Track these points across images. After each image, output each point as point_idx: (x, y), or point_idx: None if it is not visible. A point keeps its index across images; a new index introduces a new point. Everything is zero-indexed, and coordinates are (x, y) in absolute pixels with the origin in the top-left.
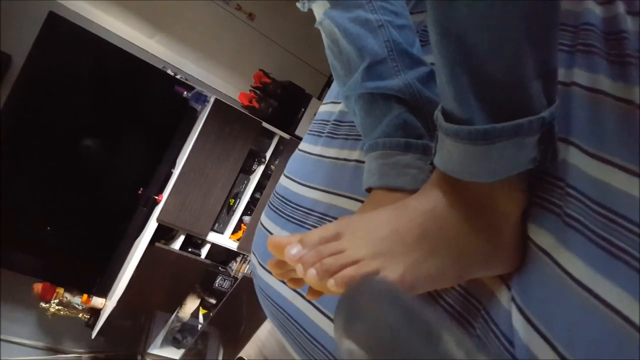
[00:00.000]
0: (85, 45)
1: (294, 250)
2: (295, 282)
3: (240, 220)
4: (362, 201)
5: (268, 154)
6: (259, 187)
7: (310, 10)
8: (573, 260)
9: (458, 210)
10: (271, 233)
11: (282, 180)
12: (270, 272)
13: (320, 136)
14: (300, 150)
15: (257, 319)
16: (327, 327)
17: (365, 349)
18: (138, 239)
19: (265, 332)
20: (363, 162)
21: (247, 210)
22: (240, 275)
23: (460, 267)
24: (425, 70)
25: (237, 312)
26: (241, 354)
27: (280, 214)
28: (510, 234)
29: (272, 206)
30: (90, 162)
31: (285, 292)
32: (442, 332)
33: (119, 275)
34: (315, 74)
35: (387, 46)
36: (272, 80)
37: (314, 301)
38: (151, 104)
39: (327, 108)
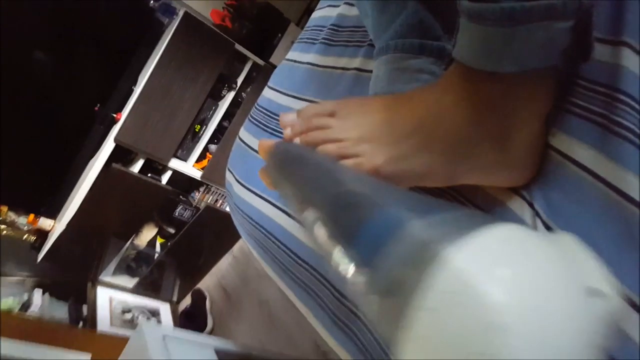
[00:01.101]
0: None
1: (289, 117)
2: None
3: (206, 149)
4: None
5: (239, 80)
6: (228, 115)
7: None
8: (622, 174)
9: (465, 109)
10: (252, 148)
11: (266, 92)
12: (247, 188)
13: (314, 43)
14: (288, 60)
15: (218, 251)
16: (312, 243)
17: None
18: (93, 159)
19: (226, 264)
20: (365, 70)
21: (214, 139)
22: (202, 205)
23: (453, 169)
24: (411, 11)
25: (197, 243)
26: (199, 285)
27: (265, 127)
28: (523, 145)
29: (253, 120)
30: (43, 76)
31: (266, 209)
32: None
33: (71, 197)
34: (296, 1)
35: None
36: None
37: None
38: (113, 13)
39: (322, 13)
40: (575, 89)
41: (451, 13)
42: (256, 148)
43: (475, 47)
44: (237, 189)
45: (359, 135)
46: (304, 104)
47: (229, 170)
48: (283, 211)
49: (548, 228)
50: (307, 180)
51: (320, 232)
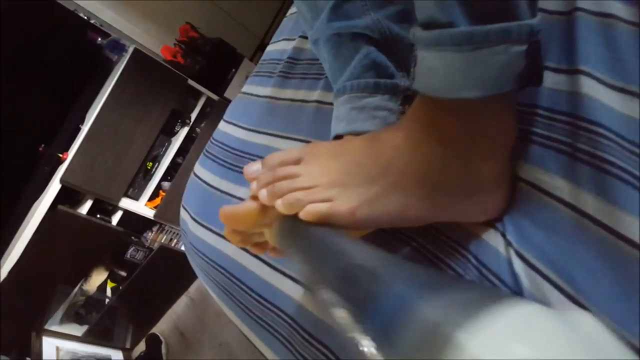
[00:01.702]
0: None
1: (253, 168)
2: (259, 247)
3: (159, 187)
4: None
5: (193, 116)
6: (182, 151)
7: None
8: (591, 200)
9: (432, 145)
10: (208, 184)
11: (223, 126)
12: (204, 227)
13: (271, 77)
14: (244, 93)
15: (174, 293)
16: (277, 282)
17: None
18: (37, 202)
19: (182, 306)
20: (325, 103)
21: (167, 176)
22: (156, 246)
23: (426, 207)
24: (395, 8)
25: (151, 285)
26: (154, 330)
27: (221, 162)
28: (492, 177)
29: (209, 154)
30: None
31: (226, 248)
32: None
33: (13, 242)
34: (248, 34)
35: None
36: (200, 35)
37: (260, 255)
38: (59, 50)
39: (278, 46)
40: (536, 119)
41: (403, 51)
42: (214, 185)
43: (436, 76)
44: (193, 227)
45: (329, 180)
46: (262, 137)
47: (183, 207)
48: (245, 250)
49: (521, 257)
50: (312, 253)
51: (339, 314)
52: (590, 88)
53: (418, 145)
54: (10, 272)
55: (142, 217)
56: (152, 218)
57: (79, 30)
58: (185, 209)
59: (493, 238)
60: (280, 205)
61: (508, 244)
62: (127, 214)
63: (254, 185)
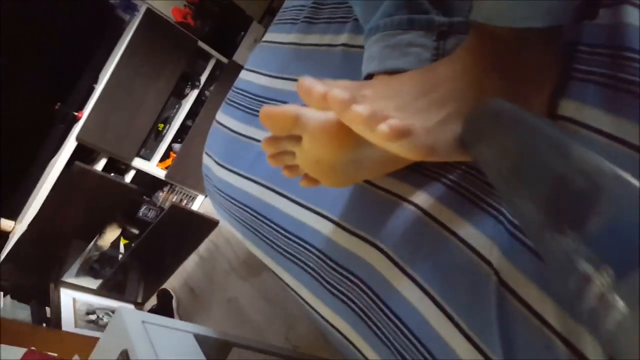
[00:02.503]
0: None
1: (315, 84)
2: (291, 170)
3: (170, 148)
4: None
5: (203, 78)
6: (192, 113)
7: None
8: (627, 125)
9: (491, 76)
10: (232, 130)
11: (245, 75)
12: (229, 170)
13: (295, 23)
14: (266, 41)
15: (184, 251)
16: (304, 217)
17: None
18: (54, 159)
19: (192, 264)
20: (352, 45)
21: (177, 138)
22: (167, 205)
23: None
24: None
25: (162, 243)
26: (165, 286)
27: (244, 109)
28: (537, 110)
29: (232, 103)
30: (3, 75)
31: (250, 188)
32: (570, 142)
33: (32, 197)
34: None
35: None
36: None
37: (287, 193)
38: (72, 10)
39: None
40: (576, 55)
41: None
42: (238, 130)
43: (502, 6)
44: (218, 171)
45: (395, 105)
46: (287, 83)
47: (206, 154)
48: (270, 189)
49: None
50: (523, 148)
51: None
52: (634, 17)
53: (477, 76)
54: (29, 226)
55: (154, 177)
56: (163, 178)
57: None
58: (209, 155)
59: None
60: (385, 128)
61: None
62: (140, 173)
63: (337, 99)
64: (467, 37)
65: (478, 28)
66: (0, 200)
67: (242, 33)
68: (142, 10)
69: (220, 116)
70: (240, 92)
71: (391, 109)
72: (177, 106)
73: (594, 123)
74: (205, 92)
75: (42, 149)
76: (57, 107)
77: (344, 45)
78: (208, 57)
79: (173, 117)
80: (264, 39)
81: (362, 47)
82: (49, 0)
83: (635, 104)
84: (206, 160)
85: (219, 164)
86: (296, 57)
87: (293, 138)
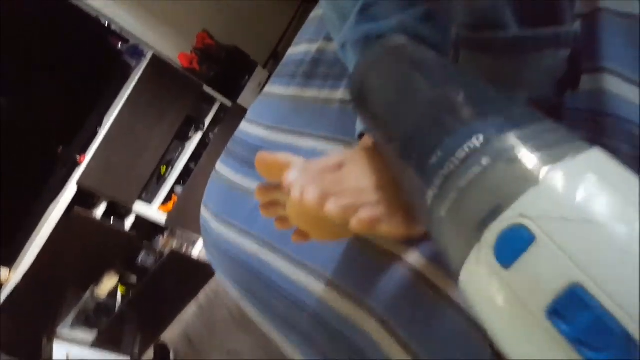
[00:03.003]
0: None
1: (293, 174)
2: (283, 222)
3: (172, 191)
4: (348, 143)
5: (207, 121)
6: (195, 156)
7: None
8: None
9: None
10: (231, 181)
11: (245, 126)
12: (226, 222)
13: (294, 77)
14: (267, 93)
15: (183, 299)
16: (297, 275)
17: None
18: (54, 203)
19: (191, 313)
20: (349, 102)
21: (180, 181)
22: (166, 251)
23: None
24: (422, 9)
25: (161, 291)
26: (163, 338)
27: (244, 160)
28: None
29: (231, 152)
30: (5, 116)
31: (246, 243)
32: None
33: (29, 244)
34: (262, 42)
35: None
36: (216, 42)
37: (283, 249)
38: (80, 55)
39: (301, 48)
40: (561, 119)
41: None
42: (236, 181)
43: (490, 73)
44: (214, 224)
45: (374, 183)
46: (285, 135)
47: (204, 205)
48: (265, 244)
49: None
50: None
51: None
52: (613, 85)
53: None
54: (25, 275)
55: (154, 221)
56: (164, 223)
57: (100, 36)
58: (207, 207)
59: None
60: (332, 208)
61: None
62: (140, 218)
63: (296, 191)
64: None
65: None
66: None
67: (247, 77)
68: (149, 56)
69: (220, 166)
70: (240, 142)
71: (371, 189)
72: (180, 149)
73: None
74: (209, 134)
75: (42, 193)
76: (59, 150)
77: (341, 101)
78: (213, 100)
79: (176, 160)
80: (264, 90)
81: None
82: (57, 43)
83: None
84: (204, 211)
85: (216, 216)
86: (295, 110)
87: (285, 188)
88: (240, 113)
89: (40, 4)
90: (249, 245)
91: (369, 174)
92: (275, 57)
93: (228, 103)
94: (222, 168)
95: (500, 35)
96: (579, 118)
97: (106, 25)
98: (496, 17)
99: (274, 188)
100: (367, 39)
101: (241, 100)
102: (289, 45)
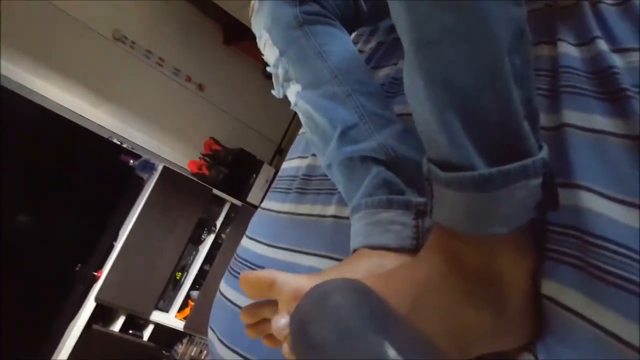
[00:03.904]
0: (26, 115)
1: (281, 323)
2: (271, 339)
3: (188, 296)
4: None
5: (218, 223)
6: (209, 258)
7: (280, 96)
8: (610, 316)
9: (456, 281)
10: (234, 303)
11: (245, 242)
12: (229, 348)
13: (288, 193)
14: (264, 209)
15: None
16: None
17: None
18: (73, 321)
19: None
20: (341, 217)
21: (195, 284)
22: (186, 359)
23: (460, 344)
24: (398, 127)
25: None
26: None
27: None
28: (519, 303)
29: (234, 272)
30: (24, 239)
31: None
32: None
33: None
34: (266, 141)
35: (357, 112)
36: (222, 147)
37: None
38: (95, 174)
39: (293, 163)
40: (546, 234)
41: (410, 169)
42: (239, 304)
43: (459, 213)
44: (220, 349)
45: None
46: (282, 252)
47: (210, 328)
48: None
49: None
50: None
51: None
52: (591, 202)
53: (442, 280)
54: None
55: (172, 329)
56: (182, 330)
57: (113, 155)
58: (213, 330)
59: (522, 357)
60: None
61: None
62: (158, 326)
63: (285, 347)
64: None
65: (441, 229)
66: None
67: (254, 176)
68: (160, 168)
69: (223, 287)
70: (241, 260)
71: None
72: (194, 252)
73: (576, 307)
74: (222, 235)
75: (61, 312)
76: (77, 268)
77: (333, 216)
78: (223, 202)
79: (190, 264)
80: (262, 205)
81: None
82: (73, 163)
83: (612, 293)
84: (210, 335)
85: (220, 341)
86: (290, 226)
87: (272, 305)
88: (250, 210)
89: (58, 129)
90: None
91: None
92: (280, 153)
93: (238, 203)
94: (226, 289)
95: (470, 176)
96: (564, 235)
97: (119, 144)
98: (460, 158)
99: (260, 306)
100: (350, 160)
101: (250, 198)
102: (292, 140)
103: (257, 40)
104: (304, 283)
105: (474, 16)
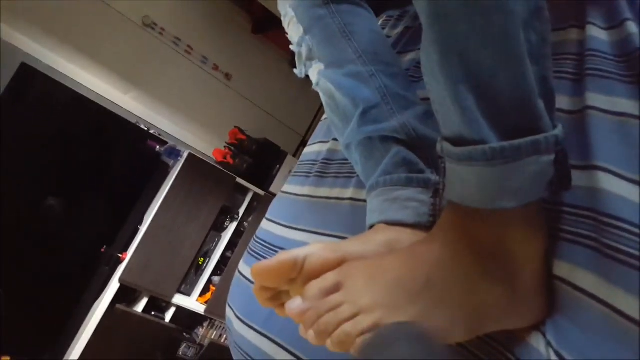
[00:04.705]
0: (56, 98)
1: (295, 304)
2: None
3: (209, 281)
4: None
5: (241, 211)
6: (231, 245)
7: (302, 76)
8: (621, 295)
9: (469, 258)
10: (251, 281)
11: (265, 224)
12: (246, 324)
13: (308, 177)
14: (284, 192)
15: None
16: None
17: None
18: (97, 301)
19: None
20: (358, 200)
21: (217, 270)
22: (206, 342)
23: (473, 320)
24: (420, 109)
25: None
26: None
27: (263, 259)
28: (530, 282)
29: (252, 252)
30: (53, 221)
31: (266, 346)
32: None
33: (74, 341)
34: (291, 133)
35: (380, 92)
36: (247, 137)
37: (296, 352)
38: (122, 159)
39: (314, 148)
40: (562, 216)
41: (430, 148)
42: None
43: (470, 188)
44: (237, 325)
45: (373, 302)
46: (300, 233)
47: (228, 305)
48: (282, 347)
49: (560, 358)
50: None
51: None
52: (608, 183)
53: (455, 259)
54: None
55: (194, 312)
56: (203, 313)
57: (140, 140)
58: (230, 307)
59: (534, 338)
60: (331, 345)
61: (548, 343)
62: (180, 309)
63: (301, 329)
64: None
65: (454, 205)
66: (44, 346)
67: (278, 166)
68: (185, 155)
69: (242, 266)
70: (260, 241)
71: (368, 308)
72: (216, 239)
73: (588, 288)
74: (244, 223)
75: (86, 292)
76: (103, 249)
77: (351, 199)
78: (246, 191)
79: (213, 251)
80: (282, 189)
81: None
82: (102, 149)
83: (626, 273)
84: (228, 312)
85: (238, 318)
86: (309, 208)
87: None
88: (272, 201)
89: (87, 113)
90: (267, 347)
91: (365, 292)
92: (304, 145)
93: (261, 192)
94: (244, 268)
95: (480, 149)
96: (580, 216)
97: (146, 129)
98: (473, 132)
99: (270, 289)
100: (370, 140)
101: (273, 188)
102: None
103: (282, 18)
104: (329, 256)
105: None
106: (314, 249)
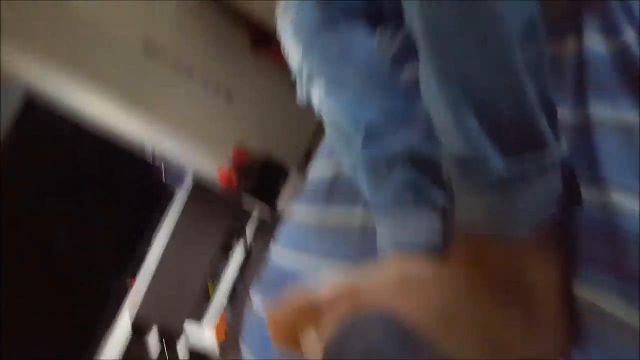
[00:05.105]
0: (58, 124)
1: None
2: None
3: (219, 306)
4: None
5: (249, 231)
6: (239, 265)
7: (304, 103)
8: None
9: (484, 286)
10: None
11: (274, 250)
12: None
13: (316, 199)
14: (292, 215)
15: None
16: None
17: None
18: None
19: None
20: (368, 222)
21: (227, 293)
22: None
23: (492, 352)
24: (424, 127)
25: None
26: None
27: (276, 286)
28: (551, 307)
29: (265, 283)
30: (62, 247)
31: None
32: None
33: None
34: (295, 149)
35: (382, 111)
36: (251, 155)
37: None
38: (126, 187)
39: (320, 167)
40: (577, 237)
41: (436, 168)
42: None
43: (483, 215)
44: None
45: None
46: (310, 258)
47: (242, 345)
48: None
49: None
50: None
51: None
52: (621, 198)
53: (470, 288)
54: None
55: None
56: (215, 344)
57: (143, 163)
58: (246, 346)
59: None
60: None
61: None
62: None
63: None
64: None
65: (464, 231)
66: None
67: (283, 183)
68: (190, 178)
69: (255, 298)
70: (271, 269)
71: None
72: (224, 260)
73: (613, 311)
74: (252, 243)
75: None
76: (112, 280)
77: (361, 222)
78: (252, 210)
79: (221, 273)
80: (290, 212)
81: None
82: (108, 177)
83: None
84: (244, 350)
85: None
86: (318, 234)
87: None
88: (279, 218)
89: (94, 146)
90: None
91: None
92: (309, 160)
93: (268, 211)
94: (257, 300)
95: (487, 178)
96: (596, 234)
97: (150, 156)
98: (476, 152)
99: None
100: (374, 162)
101: (280, 205)
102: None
103: (281, 39)
104: (343, 292)
105: (482, 6)
106: (327, 288)
